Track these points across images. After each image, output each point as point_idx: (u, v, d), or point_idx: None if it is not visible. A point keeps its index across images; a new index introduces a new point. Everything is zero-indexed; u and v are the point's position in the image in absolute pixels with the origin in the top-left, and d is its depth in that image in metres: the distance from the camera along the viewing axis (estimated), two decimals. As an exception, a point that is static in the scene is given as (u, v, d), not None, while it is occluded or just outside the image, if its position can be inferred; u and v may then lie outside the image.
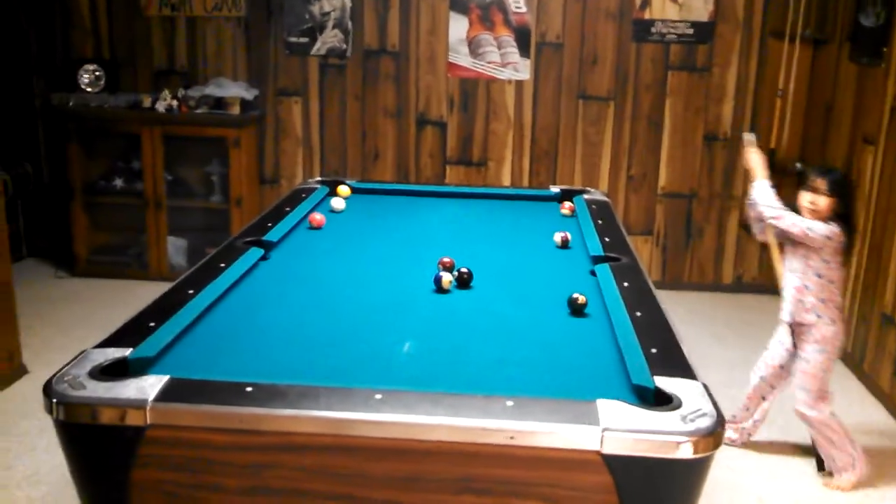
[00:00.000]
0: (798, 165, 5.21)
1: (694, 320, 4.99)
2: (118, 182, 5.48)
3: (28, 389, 3.86)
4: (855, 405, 3.97)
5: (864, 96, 4.46)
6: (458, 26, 5.35)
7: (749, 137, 3.43)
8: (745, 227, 3.49)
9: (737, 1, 5.19)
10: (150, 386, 1.73)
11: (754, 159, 3.31)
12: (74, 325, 4.64)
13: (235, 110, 5.31)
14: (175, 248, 5.52)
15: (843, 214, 3.15)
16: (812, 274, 3.19)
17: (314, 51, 5.47)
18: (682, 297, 5.37)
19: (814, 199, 3.13)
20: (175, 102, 5.30)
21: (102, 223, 5.65)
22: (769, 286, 5.54)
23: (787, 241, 3.27)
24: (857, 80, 4.55)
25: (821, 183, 3.12)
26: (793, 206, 3.22)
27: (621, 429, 1.64)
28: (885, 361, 3.98)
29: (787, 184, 5.35)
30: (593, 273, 2.76)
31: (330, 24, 5.42)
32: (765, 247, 5.50)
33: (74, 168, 5.38)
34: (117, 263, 5.55)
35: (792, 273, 3.26)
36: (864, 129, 4.42)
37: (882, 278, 4.09)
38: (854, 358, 4.33)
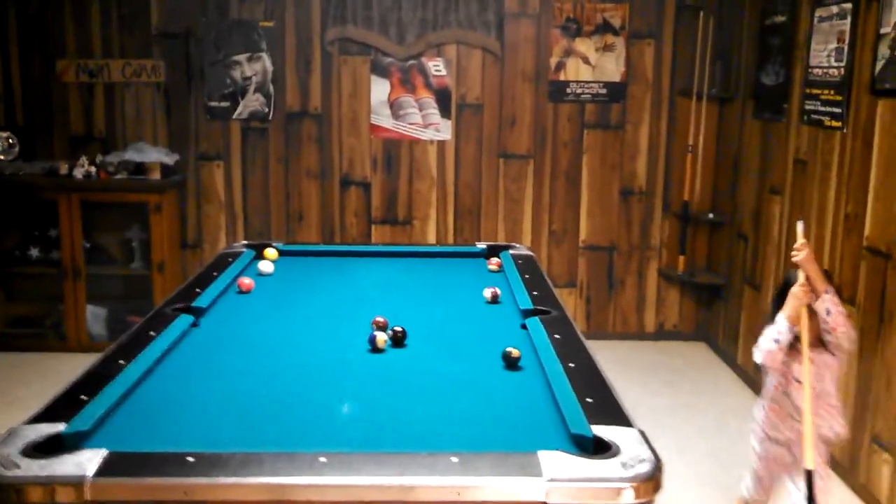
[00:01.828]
0: (710, 216, 5.44)
1: (620, 368, 5.08)
2: (34, 251, 5.34)
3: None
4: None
5: (768, 150, 4.71)
6: (380, 89, 5.45)
7: (801, 229, 2.87)
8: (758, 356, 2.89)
9: (646, 62, 5.45)
10: (87, 461, 1.68)
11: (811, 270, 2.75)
12: (-8, 402, 4.46)
13: (156, 175, 5.25)
14: (94, 318, 5.38)
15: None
16: (830, 376, 2.82)
17: (236, 115, 5.48)
18: (608, 346, 5.48)
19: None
20: (93, 169, 5.22)
21: (17, 294, 5.49)
22: (689, 333, 5.74)
23: (795, 352, 2.82)
24: (762, 135, 4.81)
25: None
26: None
27: (565, 478, 1.67)
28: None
29: (701, 233, 5.60)
30: (524, 327, 2.81)
31: (251, 88, 5.45)
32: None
33: (-13, 238, 5.23)
34: (34, 335, 5.37)
35: (811, 386, 2.74)
36: (771, 181, 4.66)
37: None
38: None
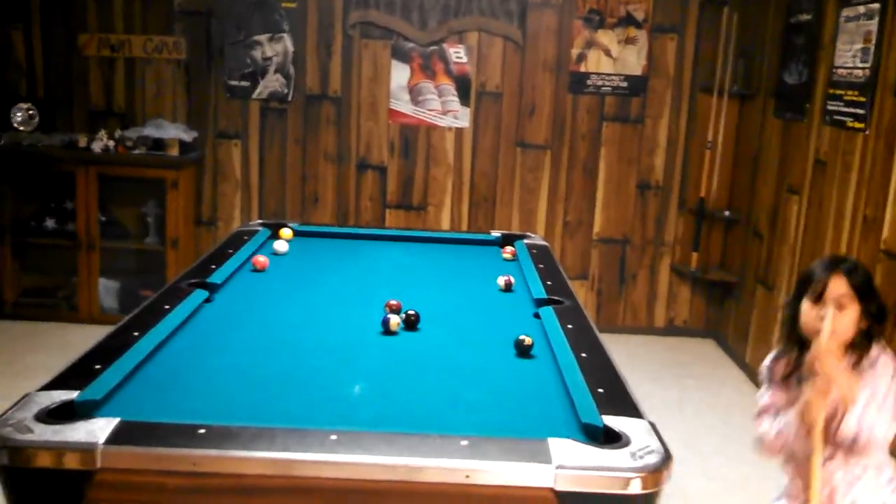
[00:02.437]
0: (727, 213, 5.41)
1: (629, 362, 5.08)
2: (49, 223, 5.37)
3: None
4: None
5: (788, 149, 4.68)
6: (400, 74, 5.44)
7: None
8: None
9: (668, 57, 5.41)
10: (99, 429, 1.70)
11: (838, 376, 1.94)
12: (4, 371, 4.48)
13: (174, 152, 5.27)
14: (106, 291, 5.40)
15: (874, 316, 2.06)
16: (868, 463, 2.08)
17: (255, 94, 5.48)
18: (617, 340, 5.47)
19: (836, 313, 2.01)
20: (112, 143, 5.24)
21: (31, 264, 5.52)
22: (698, 329, 5.72)
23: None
24: (782, 134, 4.78)
25: (840, 284, 2.03)
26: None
27: (573, 466, 1.67)
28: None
29: (716, 230, 5.57)
30: (537, 315, 2.81)
31: (272, 68, 5.45)
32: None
33: (4, 208, 5.25)
34: (46, 306, 5.40)
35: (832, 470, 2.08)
36: (789, 180, 4.63)
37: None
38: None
